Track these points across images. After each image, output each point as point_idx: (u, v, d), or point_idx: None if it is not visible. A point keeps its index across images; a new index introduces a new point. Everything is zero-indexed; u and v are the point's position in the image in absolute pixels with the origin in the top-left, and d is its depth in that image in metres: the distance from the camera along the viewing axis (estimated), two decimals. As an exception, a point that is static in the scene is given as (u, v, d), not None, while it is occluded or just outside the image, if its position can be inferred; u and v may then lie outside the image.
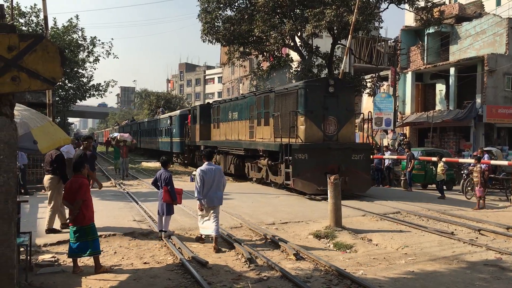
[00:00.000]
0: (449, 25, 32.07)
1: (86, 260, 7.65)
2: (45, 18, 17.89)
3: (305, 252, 8.26)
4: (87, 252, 7.13)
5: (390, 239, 9.28)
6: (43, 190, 16.86)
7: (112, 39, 41.34)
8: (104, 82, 33.07)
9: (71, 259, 7.39)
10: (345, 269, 7.16)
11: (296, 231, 10.19)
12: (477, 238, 9.41)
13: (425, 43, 33.25)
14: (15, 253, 4.25)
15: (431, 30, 31.76)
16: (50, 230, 9.72)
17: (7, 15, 20.11)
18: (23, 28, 27.39)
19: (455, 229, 10.22)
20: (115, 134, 26.91)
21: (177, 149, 31.60)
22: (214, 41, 25.97)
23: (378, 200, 14.56)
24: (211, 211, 9.00)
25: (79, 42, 30.52)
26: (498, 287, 6.33)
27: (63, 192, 7.93)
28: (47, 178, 10.00)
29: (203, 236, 9.29)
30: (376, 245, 9.07)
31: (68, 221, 7.91)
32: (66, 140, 7.73)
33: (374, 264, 7.64)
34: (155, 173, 10.41)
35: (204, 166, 9.24)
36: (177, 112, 33.59)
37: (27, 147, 6.69)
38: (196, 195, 9.15)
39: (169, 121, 33.36)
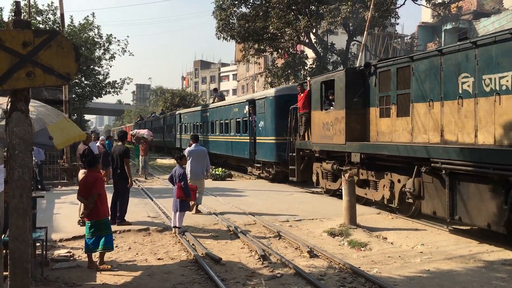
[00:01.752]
0: (467, 21, 31.60)
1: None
2: (62, 15, 18.11)
3: (319, 249, 8.21)
4: (102, 247, 7.18)
5: (406, 238, 9.17)
6: (59, 186, 17.08)
7: (127, 36, 41.81)
8: (120, 79, 33.18)
9: (86, 254, 7.47)
10: (359, 267, 7.09)
11: (310, 229, 10.14)
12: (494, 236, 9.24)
13: (442, 39, 32.81)
14: (29, 247, 4.29)
15: (449, 26, 31.32)
16: (84, 222, 9.85)
17: (24, 13, 20.38)
18: (41, 25, 27.69)
19: None
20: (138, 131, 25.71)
21: (270, 155, 17.89)
22: (228, 38, 26.00)
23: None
24: (197, 185, 11.29)
25: (95, 39, 30.74)
26: (516, 287, 6.21)
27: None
28: (81, 172, 10.43)
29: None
30: (391, 243, 8.97)
31: (83, 215, 7.99)
32: (81, 136, 7.79)
33: (389, 262, 7.56)
34: (171, 170, 10.45)
35: (193, 147, 12.18)
36: (267, 92, 19.22)
37: (42, 143, 6.75)
38: (188, 171, 11.57)
39: (245, 108, 20.39)
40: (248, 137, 19.75)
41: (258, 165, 19.30)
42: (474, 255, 7.83)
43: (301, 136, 14.85)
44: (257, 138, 18.94)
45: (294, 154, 15.26)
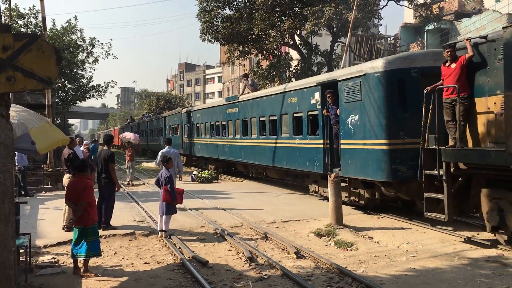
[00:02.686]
0: (448, 21, 32.03)
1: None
2: (43, 19, 17.91)
3: (306, 250, 8.22)
4: (87, 253, 7.09)
5: (391, 237, 9.25)
6: (43, 192, 16.87)
7: (111, 39, 41.71)
8: (104, 82, 32.98)
9: (71, 260, 7.38)
10: (346, 267, 7.12)
11: (297, 230, 10.16)
12: (478, 234, 9.35)
13: (425, 40, 33.21)
14: (12, 254, 4.22)
15: (431, 27, 31.72)
16: (69, 228, 9.75)
17: (5, 17, 20.10)
18: (22, 29, 27.37)
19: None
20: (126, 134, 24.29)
21: (374, 170, 10.93)
22: (213, 40, 25.91)
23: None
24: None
25: (78, 43, 30.47)
26: (500, 283, 6.28)
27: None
28: (66, 177, 10.40)
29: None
30: (377, 242, 9.03)
31: (71, 221, 7.90)
32: (65, 141, 7.71)
33: (375, 261, 7.61)
34: (157, 173, 10.39)
35: (166, 149, 13.49)
36: (366, 67, 11.38)
37: (25, 148, 6.67)
38: (155, 163, 14.17)
39: (314, 96, 13.61)
40: (321, 141, 12.93)
41: (344, 184, 11.78)
42: (459, 252, 7.92)
43: (457, 138, 8.27)
44: (342, 141, 12.04)
45: (437, 171, 8.45)
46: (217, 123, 22.02)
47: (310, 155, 13.43)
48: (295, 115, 14.58)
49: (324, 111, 12.67)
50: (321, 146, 12.92)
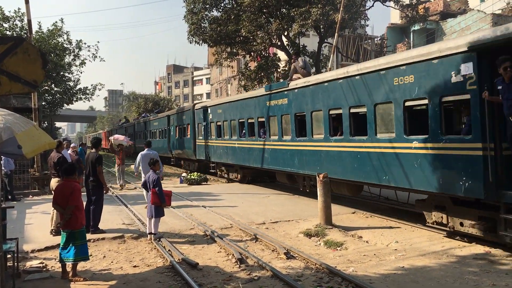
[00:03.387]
0: (434, 21, 32.35)
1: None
2: (29, 22, 17.76)
3: (296, 250, 8.25)
4: (75, 257, 7.03)
5: (380, 236, 9.31)
6: (30, 196, 16.70)
7: (98, 42, 41.43)
8: (91, 85, 32.67)
9: (60, 265, 7.31)
10: (335, 267, 7.16)
11: (287, 230, 10.18)
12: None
13: (411, 40, 33.50)
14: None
15: (417, 27, 31.99)
16: (57, 232, 9.69)
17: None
18: (8, 32, 27.06)
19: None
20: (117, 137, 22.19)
21: None
22: (201, 42, 25.87)
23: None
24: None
25: (65, 45, 30.19)
26: (488, 280, 6.36)
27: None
28: (54, 181, 10.26)
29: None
30: (367, 242, 9.08)
31: (59, 225, 7.83)
32: (52, 144, 7.60)
33: (365, 261, 7.65)
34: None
35: (145, 151, 13.55)
36: None
37: (11, 152, 6.57)
38: (134, 169, 14.24)
39: (462, 69, 7.98)
40: (479, 144, 7.81)
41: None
42: (447, 250, 7.99)
43: None
44: None
45: None
46: (250, 121, 17.16)
47: (449, 168, 8.37)
48: (409, 103, 9.36)
49: (485, 93, 7.46)
50: (479, 153, 7.74)
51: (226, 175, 20.70)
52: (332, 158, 12.05)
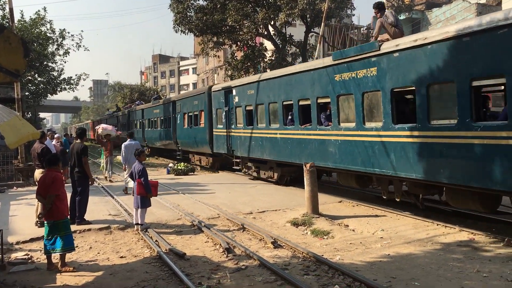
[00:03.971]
0: (419, 11, 32.45)
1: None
2: (11, 10, 17.44)
3: (283, 240, 8.28)
4: (60, 248, 6.97)
5: (366, 224, 9.39)
6: (14, 187, 16.51)
7: (82, 31, 41.14)
8: (76, 75, 32.16)
9: (45, 256, 7.25)
10: (322, 255, 7.21)
11: (274, 220, 10.21)
12: (449, 220, 9.58)
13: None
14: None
15: (402, 17, 32.04)
16: (42, 223, 9.58)
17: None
18: (-11, 21, 26.53)
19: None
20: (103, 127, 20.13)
21: None
22: (186, 31, 25.64)
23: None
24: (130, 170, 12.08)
25: (48, 35, 29.67)
26: (471, 266, 6.46)
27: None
28: (38, 172, 10.10)
29: (127, 190, 13.94)
30: (353, 230, 9.16)
31: (40, 216, 7.75)
32: (35, 135, 7.52)
33: (351, 249, 7.72)
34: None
35: (128, 141, 14.39)
36: None
37: (-6, 143, 6.50)
38: (122, 161, 14.75)
39: None
40: None
41: None
42: (432, 238, 8.10)
43: None
44: None
45: None
46: (302, 103, 12.88)
47: None
48: None
49: None
50: None
51: (255, 174, 16.55)
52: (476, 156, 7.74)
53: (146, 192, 9.44)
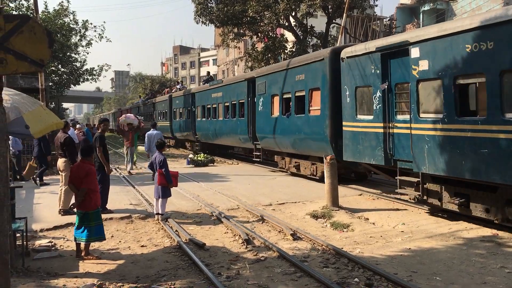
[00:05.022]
0: (444, 2, 31.80)
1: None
2: (35, 1, 17.68)
3: (302, 232, 8.26)
4: (88, 238, 7.08)
5: (387, 218, 9.30)
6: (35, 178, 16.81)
7: (104, 22, 41.34)
8: (98, 66, 32.61)
9: (69, 244, 7.39)
10: (342, 248, 7.17)
11: (293, 212, 10.20)
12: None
13: (421, 20, 33.00)
14: (8, 238, 4.21)
15: (427, 8, 31.52)
16: (65, 212, 9.78)
17: (-4, -1, 19.78)
18: (14, 12, 26.96)
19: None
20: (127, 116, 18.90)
21: None
22: (207, 22, 25.67)
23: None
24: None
25: (71, 26, 30.07)
26: (494, 262, 6.35)
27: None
28: (61, 161, 10.28)
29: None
30: (373, 223, 9.08)
31: (72, 206, 7.87)
32: (59, 124, 7.65)
33: (371, 242, 7.66)
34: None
35: (151, 131, 16.03)
36: None
37: (19, 132, 6.61)
38: (145, 149, 16.23)
39: None
40: None
41: None
42: (454, 233, 7.98)
43: None
44: None
45: None
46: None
47: None
48: None
49: None
50: None
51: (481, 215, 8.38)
52: None
53: (167, 182, 9.51)
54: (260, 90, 17.05)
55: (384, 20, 37.94)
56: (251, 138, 18.20)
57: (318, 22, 31.00)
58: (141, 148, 22.74)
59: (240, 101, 19.42)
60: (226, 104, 20.85)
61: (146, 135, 15.94)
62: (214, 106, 22.60)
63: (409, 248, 7.18)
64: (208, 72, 38.22)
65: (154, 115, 35.40)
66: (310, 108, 13.73)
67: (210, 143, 24.32)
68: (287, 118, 15.00)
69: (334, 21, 25.84)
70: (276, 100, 15.81)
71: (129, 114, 20.23)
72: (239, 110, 19.47)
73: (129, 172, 17.21)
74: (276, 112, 15.78)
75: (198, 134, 24.23)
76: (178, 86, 36.19)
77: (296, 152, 15.07)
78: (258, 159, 18.03)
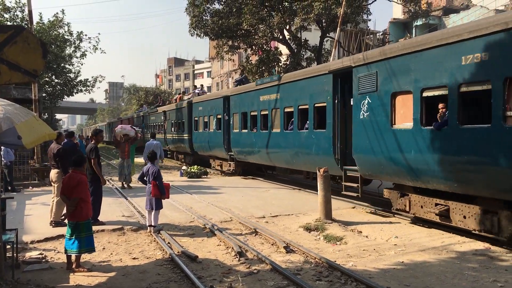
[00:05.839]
0: (436, 17, 32.23)
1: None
2: (30, 12, 17.70)
3: (295, 244, 8.24)
4: (79, 249, 7.01)
5: (380, 231, 9.29)
6: (30, 187, 16.70)
7: (99, 33, 41.50)
8: (92, 77, 32.54)
9: (60, 256, 7.30)
10: (335, 261, 7.15)
11: (287, 224, 10.17)
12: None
13: (413, 35, 33.36)
14: (-2, 250, 4.16)
15: (419, 22, 31.90)
16: (56, 223, 9.69)
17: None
18: (8, 23, 26.95)
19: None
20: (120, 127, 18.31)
21: None
22: (202, 35, 25.76)
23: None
24: None
25: (66, 37, 30.10)
26: (487, 276, 6.35)
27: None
28: (53, 172, 10.19)
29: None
30: (366, 236, 9.07)
31: (63, 217, 7.81)
32: (51, 135, 7.58)
33: (364, 255, 7.64)
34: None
35: (150, 141, 17.08)
36: None
37: (11, 143, 6.56)
38: (143, 158, 17.02)
39: None
40: None
41: None
42: (447, 246, 7.98)
43: None
44: None
45: None
46: None
47: None
48: None
49: None
50: None
51: None
52: None
53: (161, 194, 9.48)
54: (357, 88, 11.16)
55: (377, 34, 38.33)
56: (338, 160, 12.11)
57: (312, 36, 31.25)
58: (138, 161, 21.66)
59: (316, 105, 13.08)
60: (288, 109, 14.91)
61: (146, 144, 17.14)
62: (263, 113, 16.66)
63: (402, 262, 7.17)
64: (202, 85, 37.04)
65: (165, 126, 30.33)
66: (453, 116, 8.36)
67: (251, 163, 18.54)
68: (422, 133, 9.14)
69: (328, 34, 26.05)
70: (379, 103, 10.42)
71: (125, 125, 19.41)
72: (301, 121, 13.89)
73: (124, 185, 16.39)
74: (373, 119, 10.59)
75: (234, 150, 18.45)
76: (196, 91, 30.77)
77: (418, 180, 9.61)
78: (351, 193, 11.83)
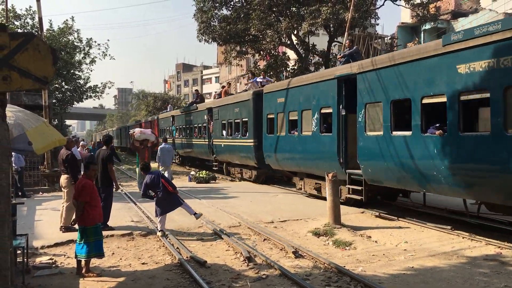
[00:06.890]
0: (445, 21, 32.06)
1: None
2: (40, 19, 17.90)
3: (304, 249, 8.21)
4: (88, 254, 7.05)
5: (389, 236, 9.24)
6: (40, 192, 16.82)
7: (108, 40, 41.87)
8: (101, 83, 32.85)
9: (70, 261, 7.36)
10: (344, 266, 7.11)
11: (295, 229, 10.14)
12: (476, 232, 9.36)
13: (422, 39, 33.23)
14: (9, 255, 4.20)
15: (428, 26, 31.74)
16: (66, 228, 9.75)
17: (1, 17, 20.05)
18: (19, 30, 27.27)
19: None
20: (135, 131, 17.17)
21: None
22: (210, 40, 25.90)
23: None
24: (166, 170, 17.14)
25: (75, 43, 30.39)
26: (498, 281, 6.28)
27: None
28: (63, 178, 10.28)
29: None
30: (375, 241, 9.02)
31: (73, 222, 7.89)
32: (62, 141, 7.68)
33: (374, 260, 7.60)
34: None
35: (163, 144, 18.00)
36: None
37: (22, 148, 6.66)
38: (157, 160, 17.85)
39: None
40: None
41: None
42: (457, 251, 7.91)
43: None
44: None
45: None
46: None
47: None
48: None
49: None
50: None
51: None
52: None
53: (173, 188, 9.66)
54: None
55: (386, 38, 38.23)
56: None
57: (320, 40, 31.25)
58: (153, 165, 18.84)
59: (405, 104, 9.98)
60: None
61: (159, 149, 17.62)
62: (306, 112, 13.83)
63: (412, 267, 7.12)
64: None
65: (211, 128, 23.40)
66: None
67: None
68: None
69: (335, 39, 26.05)
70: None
71: (144, 129, 18.30)
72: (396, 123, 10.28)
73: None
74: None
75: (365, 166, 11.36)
76: (259, 79, 21.54)
77: None
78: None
